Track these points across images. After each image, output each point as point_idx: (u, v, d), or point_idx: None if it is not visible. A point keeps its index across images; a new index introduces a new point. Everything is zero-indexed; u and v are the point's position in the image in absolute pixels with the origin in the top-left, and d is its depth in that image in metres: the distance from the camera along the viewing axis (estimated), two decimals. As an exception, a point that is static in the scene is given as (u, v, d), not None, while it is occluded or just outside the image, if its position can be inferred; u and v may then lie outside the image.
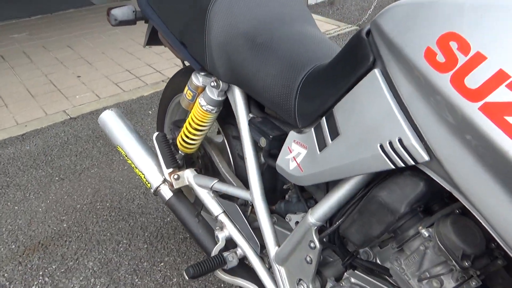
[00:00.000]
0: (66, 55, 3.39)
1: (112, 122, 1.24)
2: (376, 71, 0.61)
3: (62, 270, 1.51)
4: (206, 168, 1.31)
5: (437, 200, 0.65)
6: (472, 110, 0.46)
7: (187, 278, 0.95)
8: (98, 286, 1.45)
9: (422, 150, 0.54)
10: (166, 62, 3.23)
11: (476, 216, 0.50)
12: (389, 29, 0.59)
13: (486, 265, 0.59)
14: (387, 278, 0.76)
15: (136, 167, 1.18)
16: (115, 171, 2.02)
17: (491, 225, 0.47)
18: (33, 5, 4.72)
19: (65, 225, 1.71)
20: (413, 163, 0.56)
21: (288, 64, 0.84)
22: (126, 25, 1.30)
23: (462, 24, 0.50)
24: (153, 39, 1.38)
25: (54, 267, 1.53)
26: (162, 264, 1.53)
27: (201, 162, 1.33)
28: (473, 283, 0.59)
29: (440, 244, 0.58)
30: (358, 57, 0.65)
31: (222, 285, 1.45)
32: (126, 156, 1.20)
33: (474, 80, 0.47)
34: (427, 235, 0.60)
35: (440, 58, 0.51)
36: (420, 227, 0.62)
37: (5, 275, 1.50)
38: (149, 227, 1.69)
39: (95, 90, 2.82)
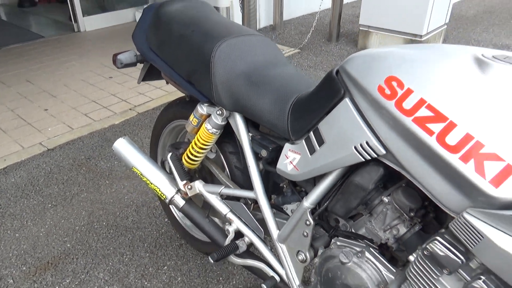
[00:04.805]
0: (28, 89, 3.49)
1: (125, 148, 1.49)
2: (347, 100, 0.95)
3: (76, 283, 1.70)
4: (205, 180, 1.59)
5: (390, 179, 1.00)
6: (409, 121, 0.81)
7: (212, 261, 1.23)
8: (112, 292, 1.66)
9: (381, 147, 0.89)
10: (129, 91, 3.45)
11: (416, 184, 0.85)
12: (353, 72, 0.94)
13: (423, 215, 0.94)
14: (359, 240, 1.10)
15: (151, 183, 1.44)
16: (104, 194, 2.22)
17: (427, 190, 0.82)
18: (-20, 40, 4.70)
19: (68, 245, 1.89)
20: (376, 156, 0.90)
21: (279, 95, 1.17)
22: (129, 67, 1.56)
23: (400, 70, 0.86)
24: (148, 76, 1.65)
25: (67, 281, 1.71)
26: (166, 267, 1.77)
27: (198, 176, 1.61)
28: (416, 227, 0.95)
29: (395, 205, 0.93)
30: (333, 90, 0.99)
31: (221, 278, 1.72)
32: (141, 175, 1.46)
33: (408, 104, 0.82)
34: (387, 201, 0.95)
35: (387, 91, 0.86)
36: (383, 197, 0.96)
37: (23, 293, 1.66)
38: (147, 239, 1.92)
39: (66, 122, 2.98)
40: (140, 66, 1.62)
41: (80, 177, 2.37)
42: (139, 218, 2.05)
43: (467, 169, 0.74)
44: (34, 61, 4.11)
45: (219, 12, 4.78)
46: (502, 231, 0.70)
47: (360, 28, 4.36)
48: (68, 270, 1.76)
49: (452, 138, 0.76)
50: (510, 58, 0.81)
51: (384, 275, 0.98)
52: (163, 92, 3.43)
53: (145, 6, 1.61)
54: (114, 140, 2.75)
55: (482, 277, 0.78)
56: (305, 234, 1.13)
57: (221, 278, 1.71)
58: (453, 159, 0.75)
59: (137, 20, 5.46)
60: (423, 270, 0.86)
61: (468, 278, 0.80)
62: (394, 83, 0.86)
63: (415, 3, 3.81)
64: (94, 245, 1.89)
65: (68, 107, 3.19)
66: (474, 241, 0.74)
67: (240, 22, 3.77)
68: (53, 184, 2.31)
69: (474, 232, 0.73)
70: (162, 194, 1.43)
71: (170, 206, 1.66)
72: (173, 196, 1.42)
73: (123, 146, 1.50)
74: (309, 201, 1.10)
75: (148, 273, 1.75)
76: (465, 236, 0.75)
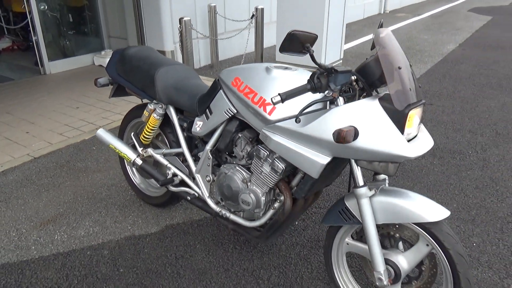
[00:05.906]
0: (9, 119, 4.32)
1: (104, 134, 2.45)
2: (221, 91, 2.00)
3: (70, 228, 2.58)
4: (154, 153, 2.57)
5: (245, 127, 2.04)
6: (241, 95, 1.86)
7: (159, 185, 2.19)
8: (95, 230, 2.55)
9: (234, 109, 1.93)
10: (94, 117, 4.36)
11: (249, 123, 1.89)
12: (223, 77, 2.00)
13: (258, 139, 1.99)
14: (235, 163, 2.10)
15: (121, 152, 2.40)
16: (83, 181, 3.11)
17: (251, 123, 1.86)
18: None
19: (61, 210, 2.77)
20: (232, 114, 1.94)
21: (192, 94, 2.20)
22: (105, 87, 2.55)
23: (240, 74, 1.93)
24: (116, 93, 2.65)
25: (64, 228, 2.58)
26: (130, 216, 2.69)
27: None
28: (254, 147, 1.99)
29: (244, 137, 1.97)
30: (215, 88, 2.05)
31: (167, 218, 2.65)
32: (115, 148, 2.41)
33: (241, 87, 1.88)
34: (240, 135, 1.99)
35: (235, 84, 1.92)
36: (240, 134, 2.00)
37: (34, 235, 2.51)
38: (117, 202, 2.83)
39: (46, 139, 3.84)
40: (110, 87, 2.62)
41: (63, 173, 3.25)
42: (110, 192, 2.96)
43: (261, 110, 1.79)
44: (10, 98, 4.93)
45: (165, 54, 5.88)
46: (272, 132, 1.76)
47: (278, 64, 5.58)
48: (64, 223, 2.63)
49: (256, 99, 1.82)
50: (280, 67, 1.91)
51: (245, 175, 2.01)
52: (122, 116, 4.38)
53: (114, 50, 2.64)
54: (86, 149, 3.65)
55: (276, 159, 1.83)
56: (208, 164, 2.14)
57: (167, 219, 2.66)
58: (256, 107, 1.81)
59: (95, 63, 6.41)
60: (256, 164, 1.90)
61: (271, 161, 1.85)
62: (237, 80, 1.92)
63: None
64: (80, 208, 2.78)
65: (46, 130, 4.05)
66: (265, 140, 1.79)
67: (181, 61, 4.86)
68: (44, 178, 3.17)
69: (265, 136, 1.78)
70: (128, 158, 2.40)
71: (132, 167, 2.62)
72: (135, 159, 2.39)
73: (103, 133, 2.46)
74: (209, 145, 2.12)
75: (118, 220, 2.66)
76: (263, 139, 1.80)
